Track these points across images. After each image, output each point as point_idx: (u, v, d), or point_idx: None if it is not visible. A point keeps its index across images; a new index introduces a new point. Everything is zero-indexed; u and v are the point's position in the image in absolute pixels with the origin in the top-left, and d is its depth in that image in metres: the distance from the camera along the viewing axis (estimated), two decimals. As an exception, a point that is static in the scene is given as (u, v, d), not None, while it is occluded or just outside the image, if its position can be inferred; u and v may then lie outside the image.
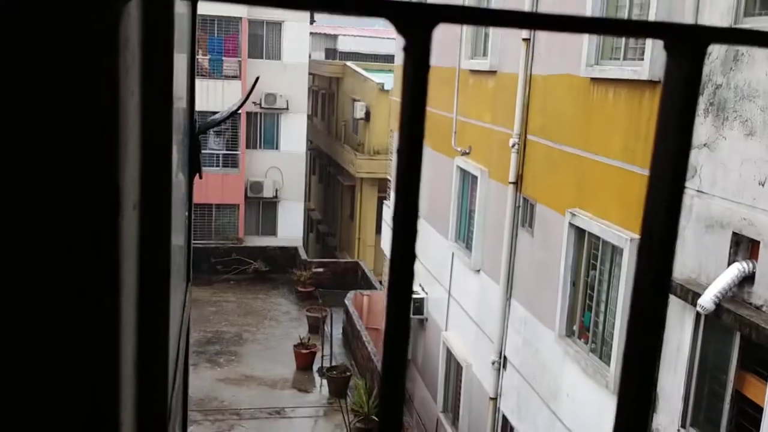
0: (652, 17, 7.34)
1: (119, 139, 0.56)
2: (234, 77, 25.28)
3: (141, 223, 0.81)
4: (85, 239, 0.56)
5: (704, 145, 6.63)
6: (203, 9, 23.97)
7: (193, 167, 2.07)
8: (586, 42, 8.60)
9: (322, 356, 17.42)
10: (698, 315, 6.54)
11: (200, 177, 2.16)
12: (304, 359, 17.63)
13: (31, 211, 0.54)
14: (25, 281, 0.55)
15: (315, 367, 17.62)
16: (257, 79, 4.41)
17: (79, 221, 0.55)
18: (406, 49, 0.38)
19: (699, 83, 0.46)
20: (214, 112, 27.75)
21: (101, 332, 0.59)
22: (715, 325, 6.47)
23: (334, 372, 16.62)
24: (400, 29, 0.38)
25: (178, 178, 1.71)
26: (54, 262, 0.56)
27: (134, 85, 0.70)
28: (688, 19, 6.79)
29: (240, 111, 24.73)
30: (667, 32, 0.45)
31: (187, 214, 2.09)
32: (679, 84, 0.45)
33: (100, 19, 0.52)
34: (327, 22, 42.79)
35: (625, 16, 8.11)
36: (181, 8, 1.77)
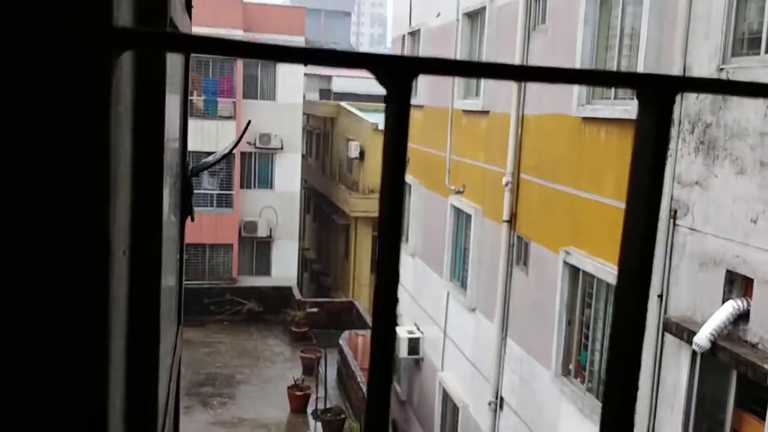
0: (641, 59, 7.46)
1: (109, 190, 0.56)
2: (229, 118, 25.47)
3: (131, 269, 0.81)
4: (74, 285, 0.56)
5: (696, 183, 6.67)
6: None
7: (185, 210, 2.07)
8: (576, 82, 8.70)
9: (317, 398, 17.21)
10: (694, 353, 6.50)
11: (192, 219, 2.16)
12: (299, 401, 17.41)
13: (21, 261, 0.54)
14: (13, 327, 0.55)
15: (309, 410, 17.39)
16: (249, 122, 4.48)
17: (69, 268, 0.55)
18: (386, 98, 0.40)
19: (669, 131, 0.47)
20: (209, 153, 27.85)
21: (89, 379, 0.59)
22: (712, 364, 6.43)
23: (329, 414, 16.40)
24: (381, 80, 0.40)
25: (170, 220, 1.70)
26: (43, 309, 0.55)
27: (126, 134, 0.71)
28: (676, 59, 6.90)
29: (234, 152, 24.85)
30: (638, 82, 0.48)
31: (178, 256, 2.08)
32: (650, 132, 0.47)
33: (91, 74, 0.52)
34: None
35: (615, 58, 8.23)
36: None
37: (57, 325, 0.56)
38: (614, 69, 8.26)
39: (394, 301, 0.44)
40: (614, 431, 0.48)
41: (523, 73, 0.47)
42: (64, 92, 0.52)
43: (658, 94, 0.48)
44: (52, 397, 0.57)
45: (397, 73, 0.40)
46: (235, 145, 3.72)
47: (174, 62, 1.73)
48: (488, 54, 11.54)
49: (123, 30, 0.55)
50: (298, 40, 26.72)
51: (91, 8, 0.52)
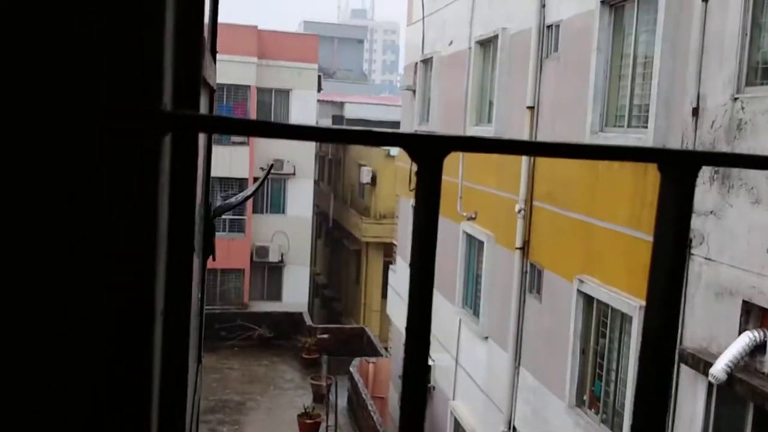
0: (654, 87, 7.46)
1: (156, 256, 0.60)
2: (242, 143, 25.64)
3: (165, 327, 0.86)
4: (119, 345, 0.58)
5: (711, 212, 6.63)
6: (213, 77, 24.43)
7: (207, 250, 2.09)
8: (590, 110, 8.71)
9: (327, 426, 17.08)
10: (710, 385, 6.41)
11: (213, 259, 2.18)
12: (308, 429, 17.27)
13: (71, 322, 0.57)
14: (61, 382, 0.58)
15: (319, 437, 17.25)
16: (271, 166, 4.57)
17: (117, 328, 0.58)
18: (418, 173, 0.43)
19: (691, 203, 0.49)
20: (222, 178, 27.61)
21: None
22: (728, 396, 6.33)
23: (339, 442, 16.25)
24: (414, 157, 0.42)
25: (194, 263, 1.72)
26: (90, 366, 0.58)
27: (164, 205, 0.76)
28: (690, 88, 6.89)
29: (247, 176, 24.98)
30: (662, 157, 0.49)
31: (200, 296, 2.09)
32: (673, 204, 0.48)
33: (141, 153, 0.56)
34: (334, 89, 43.64)
35: (628, 87, 8.23)
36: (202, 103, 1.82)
37: (104, 384, 0.59)
38: (627, 97, 8.27)
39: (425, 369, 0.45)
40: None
41: (548, 150, 0.48)
42: (118, 167, 0.55)
43: (682, 169, 0.48)
44: None
45: (431, 150, 0.42)
46: (258, 188, 3.76)
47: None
48: (500, 82, 11.58)
49: (170, 114, 0.59)
50: (311, 67, 26.97)
51: (145, 93, 0.56)
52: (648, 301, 0.51)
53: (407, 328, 0.43)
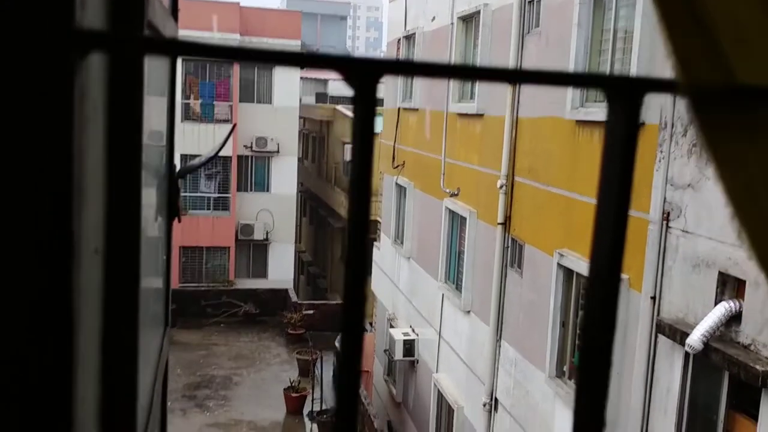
0: (634, 61, 7.51)
1: (72, 187, 0.56)
2: (225, 121, 25.48)
3: (107, 267, 0.83)
4: (36, 282, 0.56)
5: (688, 185, 6.72)
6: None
7: (172, 211, 2.08)
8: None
9: (312, 400, 17.24)
10: (687, 355, 6.54)
11: (179, 221, 2.17)
12: (295, 403, 17.43)
13: None
14: None
15: (305, 411, 17.41)
16: (234, 125, 4.56)
17: (31, 266, 0.55)
18: (354, 99, 0.42)
19: (637, 131, 0.47)
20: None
21: (54, 380, 0.57)
22: (704, 365, 6.47)
23: (325, 416, 16.42)
24: (348, 80, 0.41)
25: (156, 221, 1.72)
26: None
27: (97, 134, 0.72)
28: (669, 64, 6.94)
29: (231, 155, 24.88)
30: (606, 84, 0.47)
31: (165, 257, 2.10)
32: (619, 131, 0.46)
33: (52, 76, 0.52)
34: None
35: (608, 61, 8.28)
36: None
37: (17, 324, 0.55)
38: (607, 72, 8.32)
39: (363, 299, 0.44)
40: (587, 425, 0.47)
41: (488, 75, 0.47)
42: (26, 92, 0.52)
43: (627, 96, 0.46)
44: (10, 399, 0.56)
45: (363, 74, 0.41)
46: (221, 148, 3.73)
47: (159, 65, 1.74)
48: (482, 57, 11.59)
49: (83, 32, 0.55)
50: (294, 45, 26.76)
51: (52, 10, 0.52)
52: (594, 244, 0.49)
53: (346, 265, 0.43)
